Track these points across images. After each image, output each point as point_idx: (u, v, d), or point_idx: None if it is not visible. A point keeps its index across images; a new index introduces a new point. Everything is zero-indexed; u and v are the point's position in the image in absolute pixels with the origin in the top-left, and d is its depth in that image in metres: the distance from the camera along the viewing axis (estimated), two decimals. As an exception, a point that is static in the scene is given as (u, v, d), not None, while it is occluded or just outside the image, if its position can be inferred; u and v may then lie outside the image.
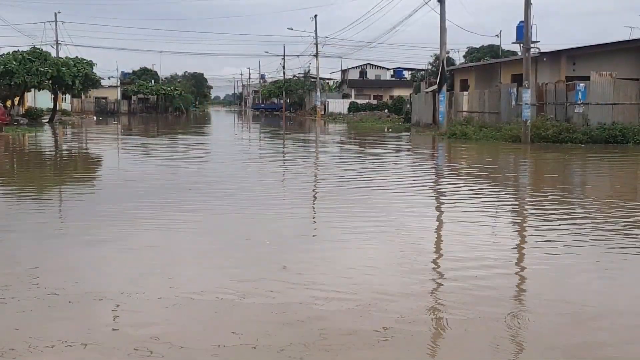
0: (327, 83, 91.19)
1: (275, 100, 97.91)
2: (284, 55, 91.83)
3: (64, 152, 25.18)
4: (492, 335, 5.05)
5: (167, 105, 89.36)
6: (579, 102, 27.18)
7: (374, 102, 75.38)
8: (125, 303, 5.75)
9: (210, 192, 13.05)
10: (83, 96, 65.77)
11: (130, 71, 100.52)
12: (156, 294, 6.00)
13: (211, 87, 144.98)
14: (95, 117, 67.91)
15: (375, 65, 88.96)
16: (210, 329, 5.21)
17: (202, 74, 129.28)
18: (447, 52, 38.91)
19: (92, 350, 4.74)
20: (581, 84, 27.26)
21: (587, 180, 16.79)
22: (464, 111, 36.29)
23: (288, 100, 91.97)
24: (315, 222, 10.39)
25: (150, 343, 4.84)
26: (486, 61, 47.77)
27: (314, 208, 11.80)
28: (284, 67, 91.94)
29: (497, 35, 68.12)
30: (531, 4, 26.99)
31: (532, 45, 28.01)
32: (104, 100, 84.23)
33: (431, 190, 14.27)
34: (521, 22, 28.61)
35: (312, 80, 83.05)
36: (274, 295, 5.99)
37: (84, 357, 4.64)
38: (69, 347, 4.79)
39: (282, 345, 4.80)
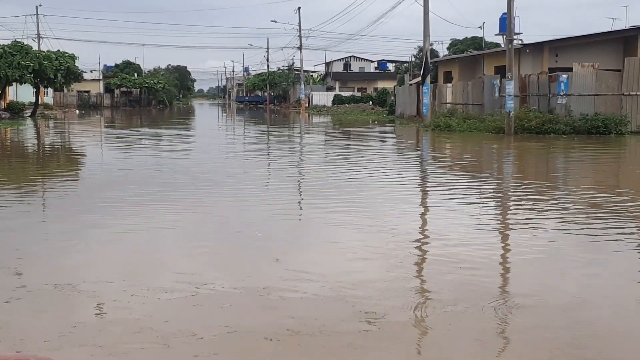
0: (311, 76, 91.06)
1: (260, 93, 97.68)
2: (267, 48, 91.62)
3: (47, 146, 25.00)
4: (478, 324, 5.06)
5: (150, 98, 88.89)
6: (562, 94, 27.36)
7: (358, 94, 75.44)
8: (111, 294, 5.73)
9: (197, 183, 13.03)
10: (65, 90, 65.19)
11: (113, 64, 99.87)
12: (144, 286, 5.97)
13: (195, 80, 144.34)
14: (77, 111, 67.44)
15: (359, 58, 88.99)
16: (199, 322, 5.19)
17: (186, 67, 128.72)
18: (431, 44, 38.98)
19: (77, 342, 4.73)
20: (564, 75, 27.44)
21: (570, 169, 16.91)
22: (448, 103, 36.42)
23: (272, 93, 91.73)
24: (302, 212, 10.40)
25: (135, 335, 4.85)
26: (469, 53, 47.93)
27: (301, 199, 11.81)
28: (267, 60, 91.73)
29: (480, 27, 68.33)
30: (514, -5, 27.10)
31: (515, 37, 28.14)
32: (86, 94, 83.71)
33: (415, 181, 14.34)
34: (504, 13, 28.73)
35: (296, 72, 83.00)
36: (264, 286, 5.98)
37: (69, 348, 4.63)
38: (54, 340, 4.78)
39: (271, 337, 4.82)
